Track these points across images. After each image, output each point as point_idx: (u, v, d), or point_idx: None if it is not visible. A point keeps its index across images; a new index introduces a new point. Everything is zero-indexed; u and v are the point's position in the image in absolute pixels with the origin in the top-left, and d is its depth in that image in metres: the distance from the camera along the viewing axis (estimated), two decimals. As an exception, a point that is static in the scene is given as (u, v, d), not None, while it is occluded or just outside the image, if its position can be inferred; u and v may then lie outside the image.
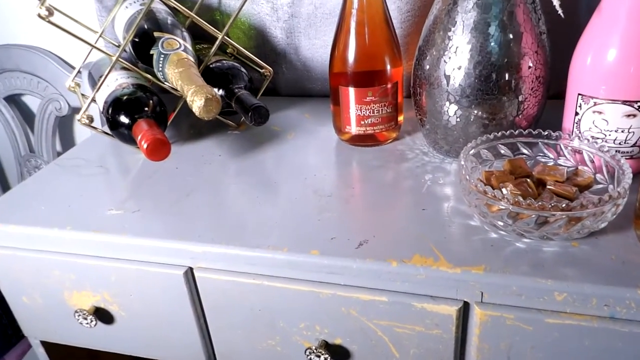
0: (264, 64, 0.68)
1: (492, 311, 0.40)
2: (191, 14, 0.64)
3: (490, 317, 0.41)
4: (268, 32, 0.75)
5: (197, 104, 0.52)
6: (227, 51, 0.74)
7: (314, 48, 0.73)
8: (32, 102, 0.99)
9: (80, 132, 1.00)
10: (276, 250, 0.45)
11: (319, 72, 0.76)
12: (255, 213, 0.50)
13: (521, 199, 0.39)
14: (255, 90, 0.69)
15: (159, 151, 0.52)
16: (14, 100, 0.98)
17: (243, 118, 0.69)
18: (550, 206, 0.38)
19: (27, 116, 1.00)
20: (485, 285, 0.40)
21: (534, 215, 0.40)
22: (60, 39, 0.91)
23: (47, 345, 0.62)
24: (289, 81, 0.78)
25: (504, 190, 0.44)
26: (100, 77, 0.69)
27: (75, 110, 0.95)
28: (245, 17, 0.75)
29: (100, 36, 0.68)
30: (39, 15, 0.52)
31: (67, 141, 1.01)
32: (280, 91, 0.80)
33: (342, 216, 0.49)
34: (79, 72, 0.71)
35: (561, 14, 0.43)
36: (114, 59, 0.59)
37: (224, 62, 0.69)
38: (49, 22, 0.53)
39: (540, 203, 0.38)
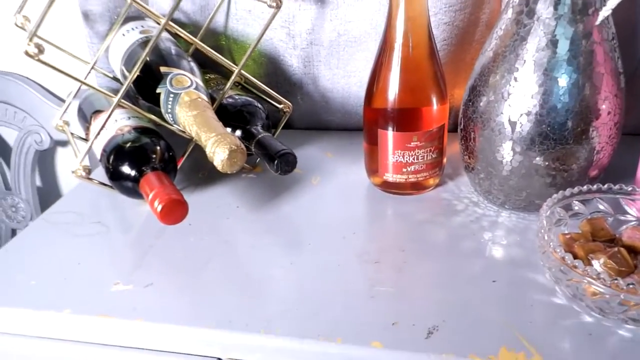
0: (283, 99, 0.60)
1: (601, 419, 0.34)
2: (201, 44, 0.55)
3: None
4: (282, 60, 0.67)
5: (219, 157, 0.44)
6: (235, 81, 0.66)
7: (335, 78, 0.66)
8: (7, 134, 0.89)
9: (63, 167, 0.90)
10: (329, 341, 0.37)
11: (338, 104, 0.68)
12: (292, 287, 0.42)
13: (636, 285, 0.32)
14: (272, 126, 0.61)
15: (174, 214, 0.44)
16: (-13, 132, 0.87)
17: (259, 160, 0.62)
18: (676, 295, 0.32)
19: (1, 150, 0.89)
20: (592, 387, 0.33)
21: (645, 301, 0.33)
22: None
23: None
24: (304, 113, 0.71)
25: (596, 265, 0.37)
26: (94, 112, 0.61)
27: (58, 143, 0.85)
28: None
29: (92, 69, 0.59)
30: (27, 53, 0.43)
31: (48, 177, 0.91)
32: (293, 123, 0.73)
33: (399, 292, 0.41)
34: (66, 108, 0.62)
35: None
36: (114, 100, 0.50)
37: (237, 97, 0.61)
38: (39, 60, 0.44)
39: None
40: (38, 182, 0.89)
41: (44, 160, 0.89)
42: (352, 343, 0.37)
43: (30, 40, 0.43)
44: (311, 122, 0.72)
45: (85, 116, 0.63)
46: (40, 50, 0.43)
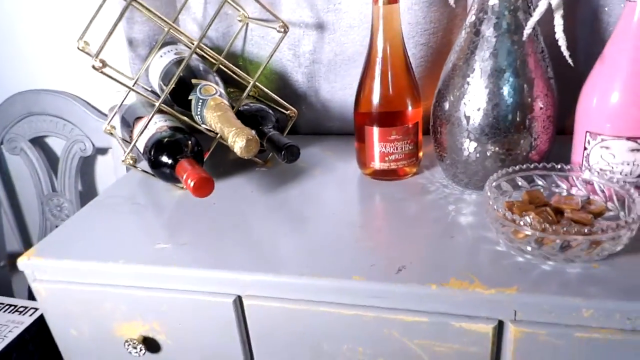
0: (290, 106, 0.74)
1: (526, 328, 0.44)
2: (224, 60, 0.69)
3: (524, 334, 0.45)
4: (289, 77, 0.80)
5: (238, 145, 0.57)
6: (250, 94, 0.79)
7: (333, 90, 0.79)
8: (55, 143, 1.03)
9: (101, 171, 1.04)
10: (321, 277, 0.49)
11: (337, 112, 0.81)
12: (295, 244, 0.54)
13: (547, 225, 0.44)
14: (281, 129, 0.74)
15: (204, 188, 0.57)
16: (38, 142, 1.02)
17: (270, 156, 0.74)
18: (574, 231, 0.43)
19: (50, 157, 1.04)
20: (518, 304, 0.44)
21: (558, 241, 0.45)
22: (86, 84, 0.96)
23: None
24: (308, 121, 0.84)
25: (527, 218, 0.48)
26: (136, 119, 0.74)
27: (99, 150, 0.99)
28: (269, 64, 0.81)
29: (135, 82, 0.73)
30: (94, 67, 0.57)
31: (88, 180, 1.05)
32: (299, 130, 0.86)
33: (377, 245, 0.53)
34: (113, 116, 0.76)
35: (571, 63, 0.49)
36: (156, 105, 0.64)
37: (251, 104, 0.74)
38: (102, 73, 0.57)
39: (565, 229, 0.43)
40: (79, 186, 1.03)
41: (85, 166, 1.02)
42: (338, 277, 0.48)
43: (97, 57, 0.57)
44: (314, 128, 0.84)
45: (128, 122, 0.76)
46: (104, 64, 0.57)
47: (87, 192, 1.05)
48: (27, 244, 1.21)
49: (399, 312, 0.47)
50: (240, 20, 0.79)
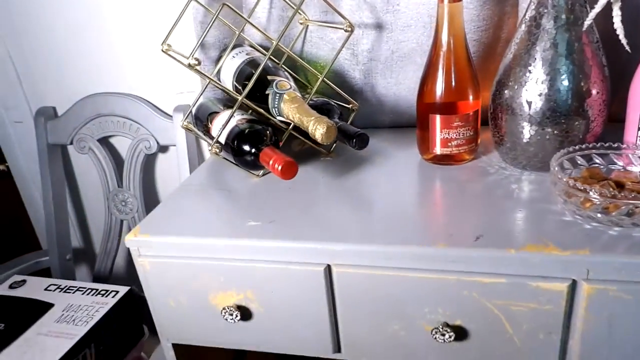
0: (352, 100, 0.80)
1: (597, 285, 0.50)
2: (299, 59, 0.76)
3: (596, 290, 0.50)
4: (347, 74, 0.87)
5: (319, 132, 0.63)
6: (307, 90, 0.85)
7: (389, 86, 0.85)
8: (121, 142, 1.10)
9: (161, 168, 1.11)
10: (407, 244, 0.54)
11: (391, 106, 0.87)
12: (375, 220, 0.60)
13: (617, 192, 0.49)
14: (345, 121, 0.80)
15: (290, 171, 0.63)
16: (105, 141, 1.09)
17: (334, 146, 0.80)
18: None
19: (114, 155, 1.11)
20: (590, 264, 0.49)
21: (624, 207, 0.50)
22: (151, 86, 1.03)
23: (177, 348, 0.70)
24: (363, 114, 0.90)
25: (593, 191, 0.54)
26: (210, 115, 0.81)
27: (162, 148, 1.06)
28: (327, 62, 0.87)
29: (210, 81, 0.79)
30: (189, 65, 0.64)
31: (149, 176, 1.12)
32: (354, 123, 0.92)
33: (453, 218, 0.59)
34: (189, 113, 0.83)
35: (628, 50, 0.55)
36: (239, 99, 0.70)
37: (316, 99, 0.80)
38: (196, 70, 0.64)
39: (633, 194, 0.49)
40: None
41: (147, 162, 1.10)
42: (423, 244, 0.54)
43: (192, 56, 0.64)
44: (369, 122, 0.90)
45: (200, 119, 0.83)
46: (199, 62, 0.64)
47: (149, 187, 1.12)
48: (87, 239, 1.28)
49: (479, 274, 0.53)
50: (301, 23, 0.86)
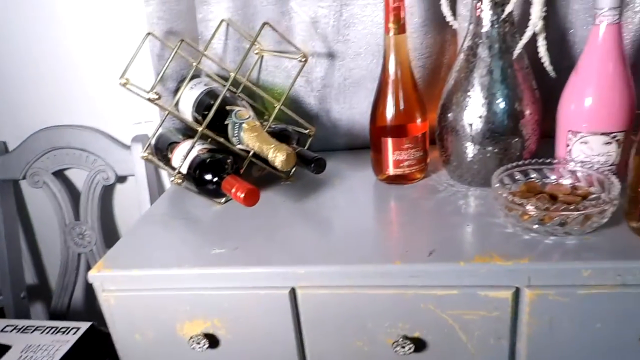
0: (309, 125, 0.83)
1: (538, 290, 0.54)
2: (257, 89, 0.79)
3: (537, 295, 0.55)
4: (302, 100, 0.90)
5: (279, 159, 0.66)
6: (265, 117, 0.88)
7: (342, 110, 0.89)
8: (76, 174, 1.09)
9: (120, 199, 1.10)
10: (365, 263, 0.58)
11: (346, 130, 0.91)
12: (335, 240, 0.63)
13: (550, 205, 0.55)
14: (301, 146, 0.83)
15: (252, 198, 0.65)
16: (60, 174, 1.08)
17: (293, 171, 0.83)
18: (570, 209, 0.54)
19: (70, 187, 1.09)
20: (530, 271, 0.54)
21: (557, 218, 0.55)
22: (106, 118, 1.03)
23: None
24: (319, 138, 0.93)
25: (531, 202, 0.59)
26: (169, 145, 0.82)
27: (120, 178, 1.06)
28: (283, 90, 0.90)
29: (168, 113, 0.81)
30: (150, 100, 0.65)
31: (107, 208, 1.11)
32: (310, 147, 0.95)
33: (406, 235, 0.62)
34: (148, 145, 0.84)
35: (553, 75, 0.61)
36: (199, 130, 0.72)
37: (274, 126, 0.83)
38: (156, 104, 0.66)
39: (565, 206, 0.54)
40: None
41: (105, 194, 1.09)
42: (381, 263, 0.57)
43: (152, 90, 0.66)
44: (324, 145, 0.94)
45: (160, 149, 0.84)
46: (159, 96, 0.65)
47: (107, 219, 1.11)
48: (42, 276, 1.25)
49: (433, 287, 0.57)
50: (256, 53, 0.89)
